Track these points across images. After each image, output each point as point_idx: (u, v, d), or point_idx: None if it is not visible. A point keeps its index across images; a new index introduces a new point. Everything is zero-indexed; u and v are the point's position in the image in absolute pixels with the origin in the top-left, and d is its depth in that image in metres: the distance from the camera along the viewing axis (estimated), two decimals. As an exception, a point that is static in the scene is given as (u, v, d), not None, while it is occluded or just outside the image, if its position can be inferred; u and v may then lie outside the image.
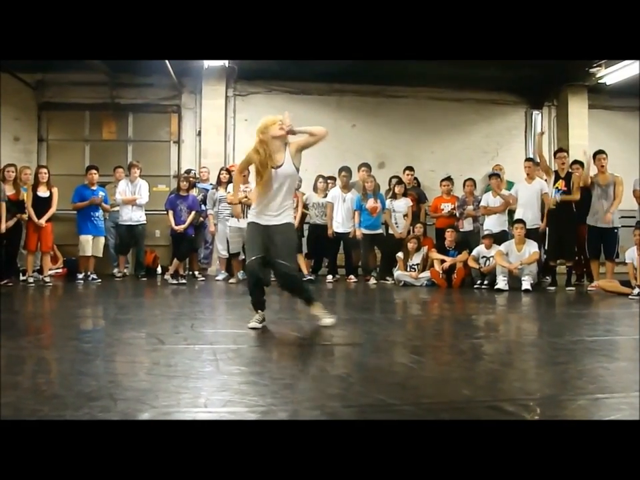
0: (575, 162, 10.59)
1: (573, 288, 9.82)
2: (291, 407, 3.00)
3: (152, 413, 2.82)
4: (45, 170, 10.35)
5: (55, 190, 10.29)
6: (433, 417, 2.87)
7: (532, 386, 3.58)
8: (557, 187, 9.90)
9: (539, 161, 10.51)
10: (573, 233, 9.98)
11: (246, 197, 10.57)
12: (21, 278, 10.40)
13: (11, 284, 9.63)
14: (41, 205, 10.13)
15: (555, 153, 10.75)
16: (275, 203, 5.45)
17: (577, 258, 10.31)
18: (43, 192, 10.15)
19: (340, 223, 11.18)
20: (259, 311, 5.51)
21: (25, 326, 6.34)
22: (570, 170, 10.11)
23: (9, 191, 9.86)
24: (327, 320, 5.58)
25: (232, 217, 10.73)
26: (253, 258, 5.38)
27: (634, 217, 10.15)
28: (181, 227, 10.54)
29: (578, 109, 13.82)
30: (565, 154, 10.37)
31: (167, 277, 10.68)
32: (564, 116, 13.98)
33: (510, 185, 11.33)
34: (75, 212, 10.95)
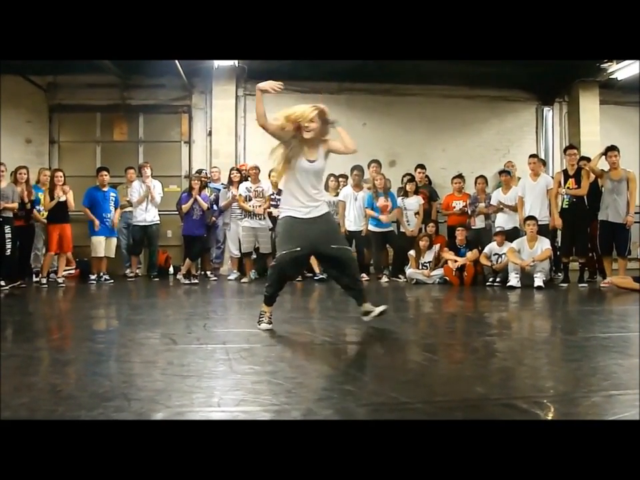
0: (582, 158, 10.52)
1: (586, 284, 9.79)
2: (305, 405, 3.00)
3: (166, 412, 2.83)
4: (60, 173, 10.42)
5: (70, 194, 10.35)
6: (446, 414, 2.86)
7: (545, 383, 3.57)
8: (567, 187, 9.86)
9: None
10: (585, 229, 9.96)
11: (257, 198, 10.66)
12: (34, 279, 10.46)
13: (24, 285, 9.69)
14: (58, 209, 10.20)
15: (565, 150, 10.70)
16: (314, 195, 5.41)
17: (589, 254, 10.26)
18: (59, 195, 10.19)
19: (352, 221, 11.18)
20: (268, 308, 5.43)
21: (39, 327, 6.38)
22: (579, 166, 10.07)
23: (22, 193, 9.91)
24: (379, 308, 5.56)
25: (245, 216, 10.77)
26: (286, 251, 5.26)
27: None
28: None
29: (589, 104, 13.76)
30: (575, 151, 10.33)
31: (179, 276, 10.71)
32: (575, 112, 13.92)
33: (519, 180, 11.28)
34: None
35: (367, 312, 5.53)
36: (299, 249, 5.22)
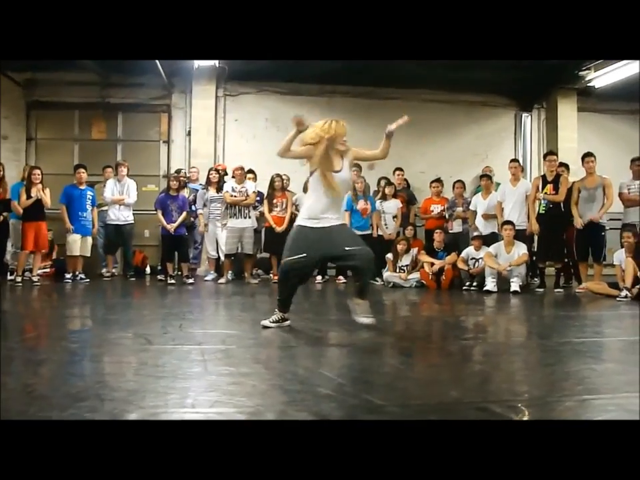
0: (561, 164, 10.59)
1: (561, 290, 9.86)
2: (279, 407, 2.99)
3: (139, 413, 2.81)
4: (37, 171, 10.31)
5: (47, 191, 10.26)
6: (421, 417, 2.86)
7: (520, 387, 3.58)
8: (545, 192, 9.93)
9: None
10: (561, 235, 10.03)
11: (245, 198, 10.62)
12: (9, 277, 10.36)
13: (-2, 283, 9.60)
14: (34, 206, 10.11)
15: (545, 156, 10.76)
16: (335, 207, 5.55)
17: (565, 260, 10.33)
18: (36, 193, 10.09)
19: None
20: (279, 313, 5.52)
21: (13, 326, 6.31)
22: (558, 172, 10.13)
23: (-3, 189, 9.83)
24: (367, 319, 5.55)
25: (227, 217, 10.74)
26: (290, 258, 5.35)
27: (621, 220, 10.18)
28: (172, 227, 10.51)
29: (567, 111, 13.91)
30: (555, 157, 10.39)
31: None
32: (553, 119, 14.06)
33: (499, 186, 11.35)
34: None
35: (356, 310, 5.61)
36: (304, 255, 5.30)
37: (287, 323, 5.51)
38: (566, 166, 10.56)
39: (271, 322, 5.43)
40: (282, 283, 5.52)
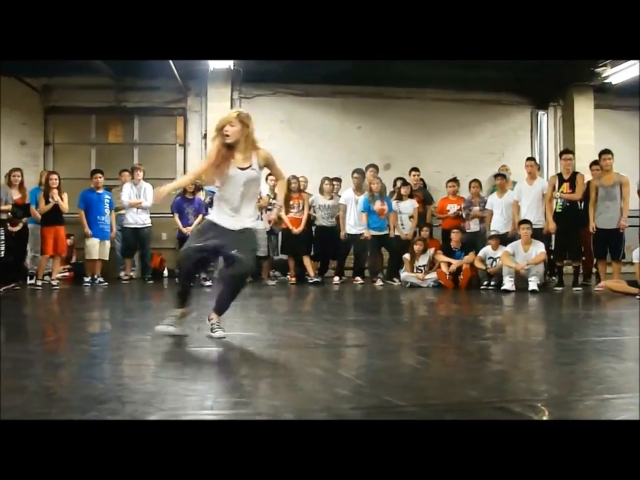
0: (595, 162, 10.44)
1: (580, 288, 9.80)
2: (298, 408, 3.00)
3: (159, 415, 2.83)
4: (55, 176, 10.39)
5: (64, 196, 10.34)
6: (439, 417, 2.86)
7: (539, 387, 3.57)
8: (562, 191, 9.88)
9: None
10: (579, 233, 9.98)
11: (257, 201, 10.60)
12: (29, 281, 10.44)
13: (18, 287, 9.66)
14: (53, 211, 10.18)
15: (561, 154, 10.71)
16: (240, 206, 5.11)
17: (583, 258, 10.27)
18: (53, 198, 10.17)
19: (352, 224, 11.17)
20: (177, 310, 5.16)
21: (33, 329, 6.37)
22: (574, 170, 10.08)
23: (15, 195, 9.89)
24: (219, 334, 4.99)
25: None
26: (186, 247, 5.08)
27: (639, 217, 10.11)
28: (188, 229, 10.53)
29: (584, 108, 13.78)
30: (571, 155, 10.34)
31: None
32: (570, 116, 13.94)
33: (515, 185, 11.30)
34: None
35: (211, 324, 5.09)
36: (200, 244, 4.98)
37: (187, 316, 5.24)
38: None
39: (167, 325, 5.06)
40: (177, 273, 5.37)
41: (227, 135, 5.04)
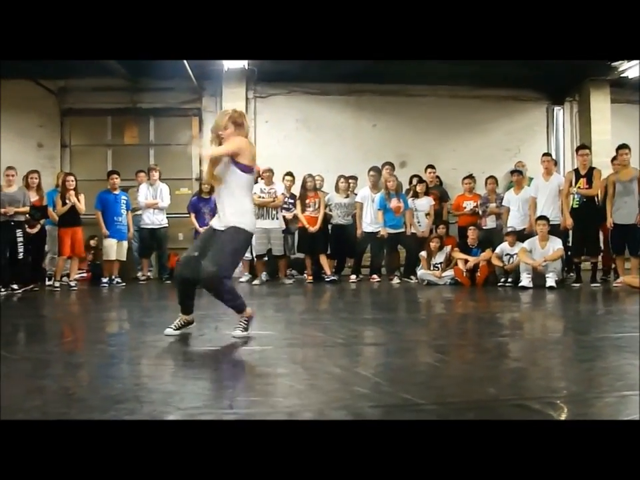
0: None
1: (598, 284, 9.73)
2: (317, 407, 3.00)
3: (178, 414, 2.83)
4: (72, 177, 10.45)
5: (81, 197, 10.39)
6: (458, 415, 2.85)
7: (558, 384, 3.55)
8: (578, 186, 9.82)
9: None
10: (596, 229, 9.92)
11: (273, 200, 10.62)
12: (47, 282, 10.51)
13: (37, 289, 9.73)
14: (70, 212, 10.24)
15: (577, 150, 10.65)
16: (223, 203, 5.09)
17: (601, 254, 10.20)
18: (70, 199, 10.22)
19: (368, 223, 11.16)
20: (182, 315, 5.20)
21: (52, 330, 6.41)
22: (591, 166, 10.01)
23: (33, 197, 9.95)
24: (236, 332, 5.05)
25: (257, 217, 10.75)
26: (186, 253, 5.21)
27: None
28: (204, 229, 10.53)
29: (600, 103, 13.67)
30: (587, 150, 10.27)
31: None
32: (586, 111, 13.83)
33: (532, 181, 11.25)
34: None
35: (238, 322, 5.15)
36: (195, 253, 5.03)
37: (192, 325, 5.26)
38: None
39: (174, 329, 5.12)
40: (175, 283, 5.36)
41: (224, 140, 5.02)
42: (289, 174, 11.32)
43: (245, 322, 5.08)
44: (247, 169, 5.00)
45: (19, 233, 9.40)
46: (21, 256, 9.39)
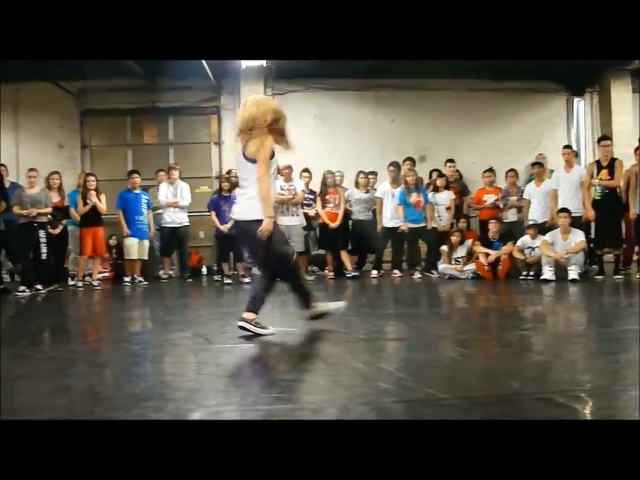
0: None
1: (621, 276, 9.66)
2: (340, 403, 3.00)
3: (202, 412, 2.85)
4: (92, 177, 10.52)
5: (102, 197, 10.46)
6: (482, 410, 2.84)
7: (582, 377, 3.53)
8: (600, 178, 9.74)
9: None
10: (618, 220, 9.83)
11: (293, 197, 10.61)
12: (70, 282, 10.59)
13: (60, 289, 9.81)
14: (91, 212, 10.31)
15: (599, 140, 10.56)
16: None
17: (624, 246, 10.12)
18: (91, 199, 10.29)
19: (388, 218, 11.15)
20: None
21: (76, 329, 6.46)
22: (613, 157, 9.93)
23: (55, 197, 10.03)
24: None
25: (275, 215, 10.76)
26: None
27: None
28: (225, 227, 10.57)
29: (621, 93, 13.54)
30: (609, 141, 10.19)
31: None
32: (606, 102, 13.71)
33: (553, 173, 11.17)
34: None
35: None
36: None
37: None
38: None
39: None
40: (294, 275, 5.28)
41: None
42: (306, 170, 11.32)
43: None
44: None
45: (42, 233, 9.48)
46: (44, 256, 9.46)
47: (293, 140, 5.09)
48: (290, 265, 5.15)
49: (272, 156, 4.96)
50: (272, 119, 4.86)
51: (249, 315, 4.84)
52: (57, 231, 10.10)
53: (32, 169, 9.84)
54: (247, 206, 4.94)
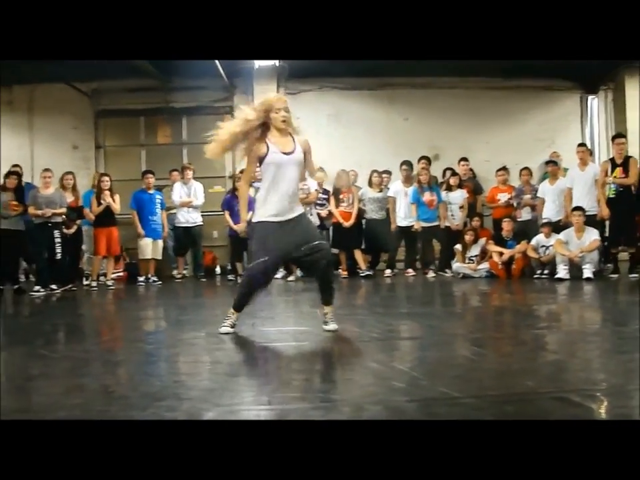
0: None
1: (636, 275, 9.59)
2: (355, 402, 3.00)
3: (216, 411, 2.85)
4: (106, 178, 10.55)
5: (116, 197, 10.50)
6: (496, 408, 2.84)
7: (597, 376, 3.52)
8: (615, 176, 9.69)
9: None
10: (633, 218, 9.77)
11: (306, 196, 10.59)
12: (84, 282, 10.64)
13: (75, 288, 9.85)
14: (105, 213, 10.35)
15: (613, 138, 10.50)
16: (292, 193, 5.07)
17: (639, 244, 10.06)
18: (105, 199, 10.33)
19: (402, 217, 11.14)
20: (236, 313, 5.11)
21: (90, 329, 6.49)
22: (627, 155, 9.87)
23: (69, 198, 10.07)
24: (332, 326, 5.04)
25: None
26: (256, 262, 4.86)
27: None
28: (239, 227, 10.55)
29: (635, 90, 13.43)
30: (623, 139, 10.13)
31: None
32: (621, 99, 13.62)
33: (567, 171, 11.11)
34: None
35: (325, 319, 5.13)
36: (267, 258, 4.80)
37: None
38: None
39: (229, 326, 5.03)
40: (246, 288, 5.10)
41: (283, 119, 5.25)
42: (320, 169, 11.32)
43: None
44: None
45: (56, 233, 9.52)
46: (59, 256, 9.51)
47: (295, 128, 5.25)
48: (255, 272, 4.96)
49: (263, 158, 4.97)
50: (256, 117, 5.10)
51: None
52: (72, 231, 10.14)
53: (46, 170, 9.89)
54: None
